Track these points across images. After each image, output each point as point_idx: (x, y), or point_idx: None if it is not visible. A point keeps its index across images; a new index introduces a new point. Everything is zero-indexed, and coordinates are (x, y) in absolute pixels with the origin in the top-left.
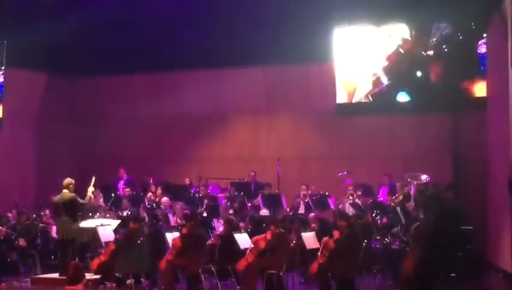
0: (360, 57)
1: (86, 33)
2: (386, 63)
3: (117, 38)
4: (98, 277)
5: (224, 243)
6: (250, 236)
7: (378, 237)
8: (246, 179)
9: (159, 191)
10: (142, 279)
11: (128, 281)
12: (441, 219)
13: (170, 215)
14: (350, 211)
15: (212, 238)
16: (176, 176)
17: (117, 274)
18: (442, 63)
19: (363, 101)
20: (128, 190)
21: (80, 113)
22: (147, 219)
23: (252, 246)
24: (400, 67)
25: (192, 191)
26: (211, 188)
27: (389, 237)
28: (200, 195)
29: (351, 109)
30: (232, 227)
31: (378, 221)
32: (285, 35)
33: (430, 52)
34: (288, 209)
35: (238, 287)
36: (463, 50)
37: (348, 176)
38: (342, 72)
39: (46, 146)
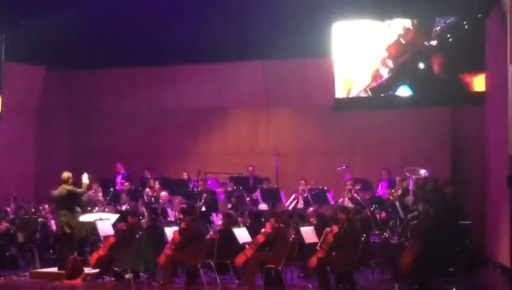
0: (359, 52)
1: (85, 27)
2: (386, 54)
3: (116, 32)
4: (96, 271)
5: (223, 237)
6: (249, 231)
7: (376, 232)
8: (244, 174)
9: (157, 185)
10: (141, 273)
11: (127, 276)
12: (441, 213)
13: (169, 210)
14: (349, 205)
15: (211, 233)
16: (174, 171)
17: (116, 268)
18: (445, 54)
19: (362, 95)
20: (127, 184)
21: (79, 107)
22: (145, 214)
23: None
24: (401, 59)
25: (191, 185)
26: (209, 182)
27: (387, 232)
28: (199, 189)
29: (349, 103)
30: (231, 221)
31: (377, 215)
32: (284, 29)
33: (434, 42)
34: (286, 205)
35: (237, 281)
36: (468, 39)
37: (347, 170)
38: (340, 67)
39: (44, 140)
